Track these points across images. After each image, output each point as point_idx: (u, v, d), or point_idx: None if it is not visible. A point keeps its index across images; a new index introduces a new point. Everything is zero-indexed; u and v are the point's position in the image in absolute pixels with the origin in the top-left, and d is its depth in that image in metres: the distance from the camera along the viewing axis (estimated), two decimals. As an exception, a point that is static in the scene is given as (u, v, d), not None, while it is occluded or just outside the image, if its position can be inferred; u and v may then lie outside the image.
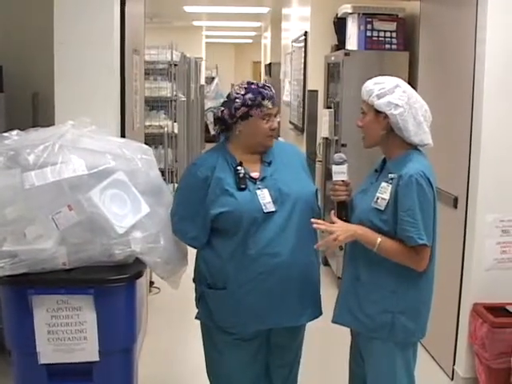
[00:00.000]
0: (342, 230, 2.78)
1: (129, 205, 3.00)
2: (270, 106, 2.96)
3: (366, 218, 2.84)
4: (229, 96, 3.01)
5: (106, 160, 3.01)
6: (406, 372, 2.91)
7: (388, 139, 2.87)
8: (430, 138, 2.89)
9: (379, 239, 2.77)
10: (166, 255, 3.07)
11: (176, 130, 9.26)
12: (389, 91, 2.82)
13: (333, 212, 2.90)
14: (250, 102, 2.92)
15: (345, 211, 2.98)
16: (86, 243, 2.92)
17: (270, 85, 3.03)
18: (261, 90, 2.96)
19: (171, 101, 9.08)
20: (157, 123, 8.88)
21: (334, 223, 2.83)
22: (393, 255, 2.79)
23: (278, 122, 3.06)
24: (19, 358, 3.01)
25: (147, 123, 8.53)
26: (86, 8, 3.54)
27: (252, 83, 3.00)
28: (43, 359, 2.95)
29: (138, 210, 3.01)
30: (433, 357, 4.75)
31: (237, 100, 2.94)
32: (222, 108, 3.00)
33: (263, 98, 2.93)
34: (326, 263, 6.88)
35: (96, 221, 2.91)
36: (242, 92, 2.96)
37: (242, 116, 2.94)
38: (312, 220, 2.83)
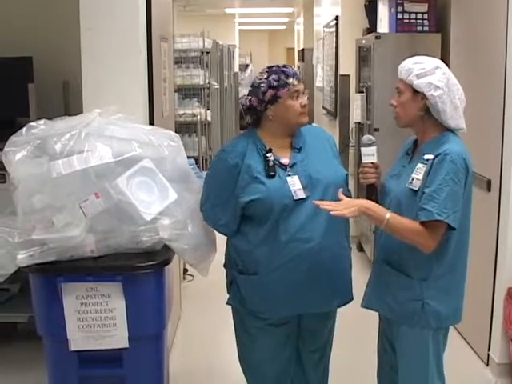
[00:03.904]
0: (345, 205, 2.68)
1: (156, 192, 3.00)
2: (296, 83, 2.93)
3: (402, 201, 2.78)
4: (253, 84, 2.99)
5: (132, 147, 3.03)
6: (436, 355, 2.87)
7: (423, 120, 2.81)
8: (464, 123, 2.84)
9: (388, 215, 2.68)
10: (194, 242, 3.07)
11: (209, 118, 9.26)
12: (429, 72, 2.76)
13: (341, 190, 2.78)
14: (275, 83, 2.90)
15: (374, 194, 2.93)
16: (113, 230, 2.94)
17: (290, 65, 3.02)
18: (282, 69, 2.95)
19: (204, 88, 9.07)
20: (190, 111, 8.89)
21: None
22: (402, 232, 2.70)
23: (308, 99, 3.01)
24: (50, 345, 3.05)
25: (181, 111, 8.58)
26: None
27: (272, 66, 2.99)
28: (74, 346, 2.98)
29: (166, 196, 3.02)
30: (468, 342, 4.70)
31: (262, 85, 2.93)
32: (249, 96, 2.98)
33: (287, 77, 2.91)
34: (361, 249, 6.85)
35: (123, 208, 2.92)
36: (265, 76, 2.95)
37: (270, 100, 2.92)
38: (314, 202, 2.75)
